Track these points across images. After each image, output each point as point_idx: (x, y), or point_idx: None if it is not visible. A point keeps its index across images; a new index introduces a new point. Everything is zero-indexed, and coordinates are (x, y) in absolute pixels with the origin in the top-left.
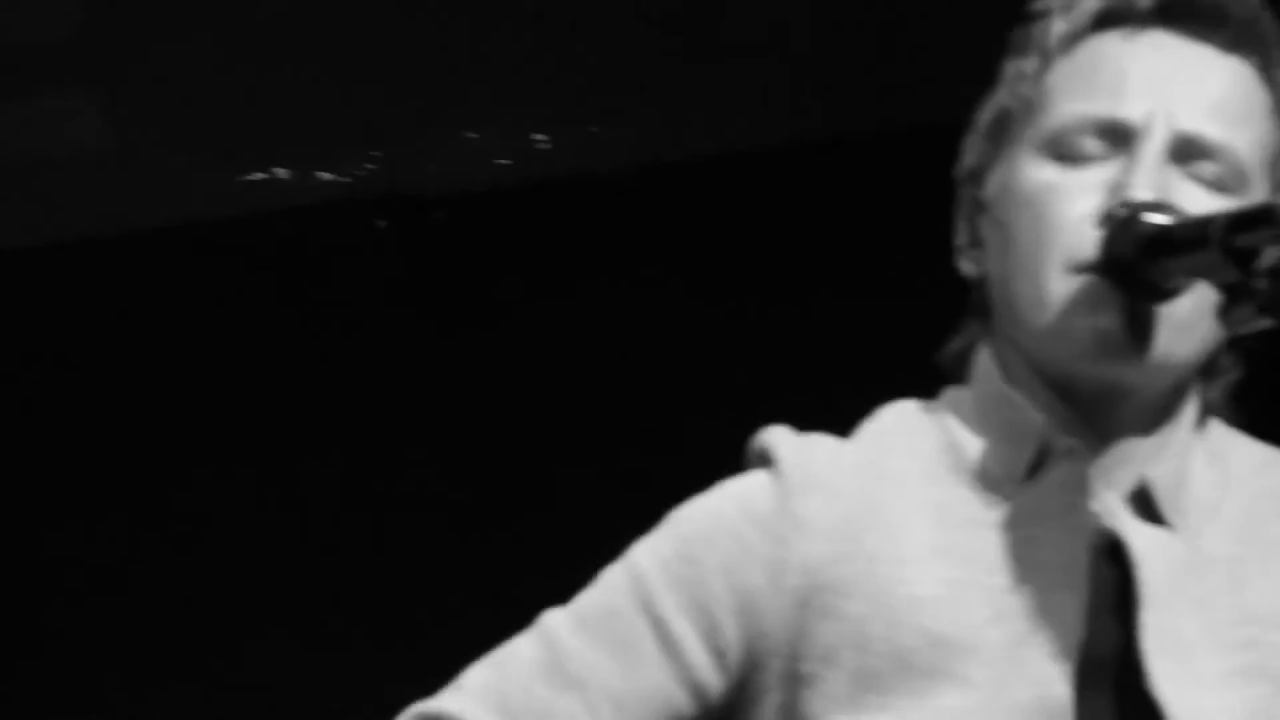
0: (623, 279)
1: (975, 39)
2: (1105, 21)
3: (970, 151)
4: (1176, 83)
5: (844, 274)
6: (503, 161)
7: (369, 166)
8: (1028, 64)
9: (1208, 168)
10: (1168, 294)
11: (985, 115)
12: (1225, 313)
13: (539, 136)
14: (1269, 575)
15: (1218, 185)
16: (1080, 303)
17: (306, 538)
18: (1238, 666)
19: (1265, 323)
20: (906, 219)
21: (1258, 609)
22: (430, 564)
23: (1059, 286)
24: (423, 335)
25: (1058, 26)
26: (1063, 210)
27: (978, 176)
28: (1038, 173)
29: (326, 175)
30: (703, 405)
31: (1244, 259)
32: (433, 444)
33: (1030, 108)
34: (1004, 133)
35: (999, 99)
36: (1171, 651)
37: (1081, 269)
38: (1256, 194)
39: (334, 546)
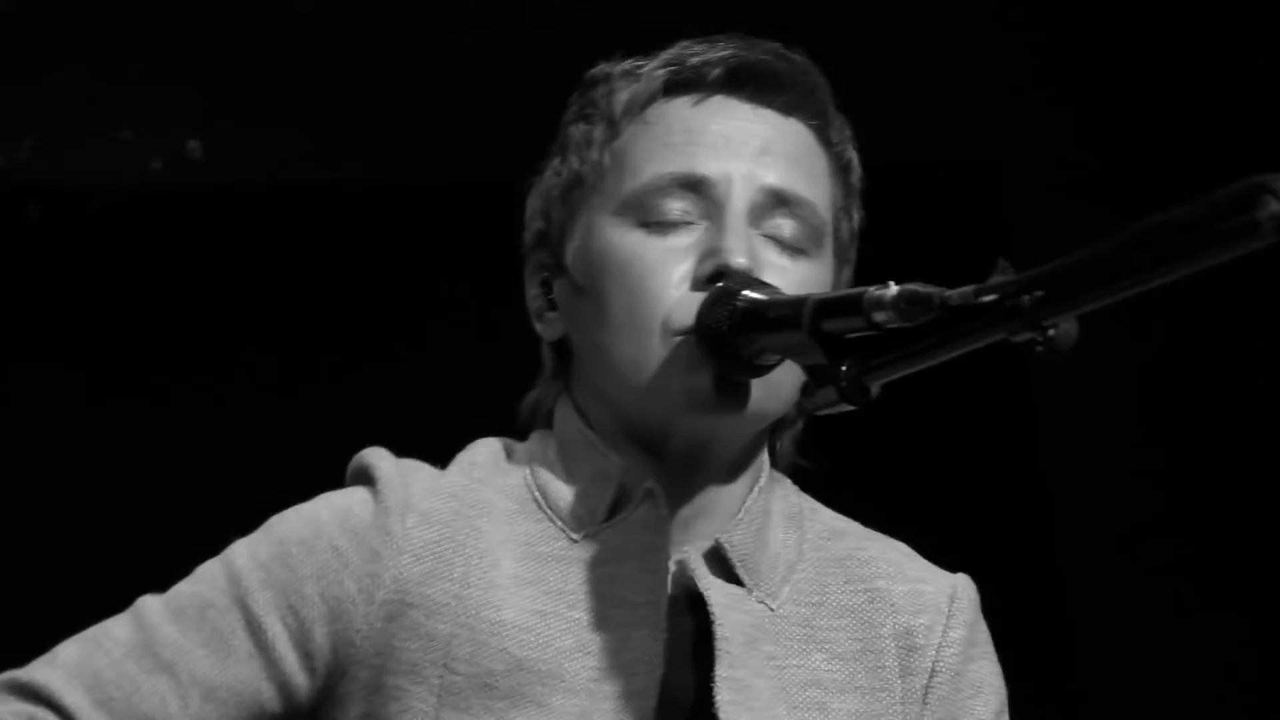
0: (269, 290)
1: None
2: (673, 89)
3: (537, 217)
4: (750, 144)
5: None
6: (155, 164)
7: (20, 156)
8: (595, 130)
9: (788, 225)
10: (758, 370)
11: (552, 181)
12: (807, 390)
13: (192, 143)
14: (835, 642)
15: (795, 246)
16: (675, 363)
17: None
18: None
19: (844, 407)
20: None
21: (823, 674)
22: None
23: (660, 349)
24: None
25: (623, 93)
26: (658, 278)
27: (549, 241)
28: (623, 238)
29: None
30: (309, 429)
31: (831, 343)
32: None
33: (602, 173)
34: (579, 199)
35: (569, 164)
36: (745, 706)
37: (678, 333)
38: (826, 256)
39: None
